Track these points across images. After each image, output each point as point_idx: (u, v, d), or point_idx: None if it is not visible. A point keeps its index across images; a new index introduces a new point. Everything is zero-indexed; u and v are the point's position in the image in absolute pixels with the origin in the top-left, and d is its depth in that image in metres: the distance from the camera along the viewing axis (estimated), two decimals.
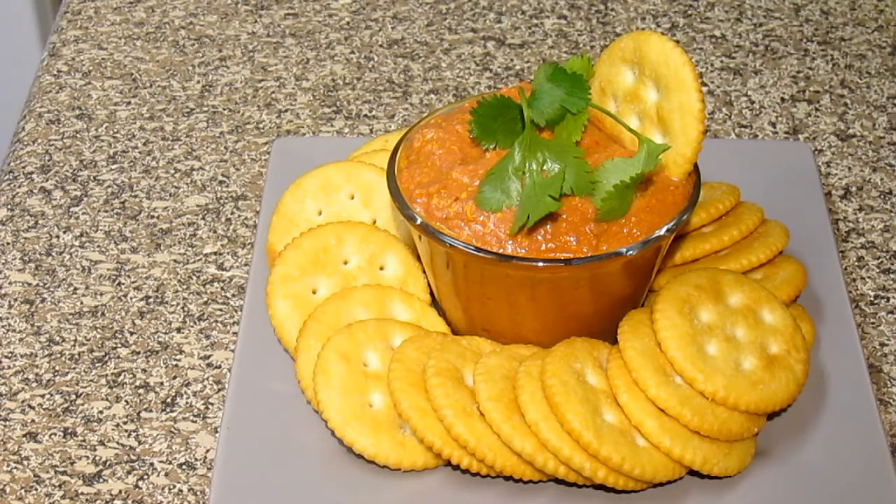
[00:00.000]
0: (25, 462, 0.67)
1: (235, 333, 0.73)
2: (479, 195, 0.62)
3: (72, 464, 0.67)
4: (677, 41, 0.83)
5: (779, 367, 0.62)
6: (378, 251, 0.69)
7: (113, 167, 0.85)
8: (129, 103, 0.91)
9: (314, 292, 0.68)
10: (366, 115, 0.90)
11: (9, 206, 0.82)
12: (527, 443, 0.60)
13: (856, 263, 0.78)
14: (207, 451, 0.67)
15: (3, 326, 0.74)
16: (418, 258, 0.68)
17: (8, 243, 0.80)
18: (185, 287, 0.77)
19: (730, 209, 0.71)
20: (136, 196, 0.83)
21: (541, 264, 0.61)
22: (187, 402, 0.70)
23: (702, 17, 1.01)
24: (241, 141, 0.88)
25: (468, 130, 0.64)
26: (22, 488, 0.66)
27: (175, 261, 0.78)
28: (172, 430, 0.69)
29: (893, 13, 1.01)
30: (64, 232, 0.80)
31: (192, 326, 0.74)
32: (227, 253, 0.79)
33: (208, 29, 0.98)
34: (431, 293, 0.69)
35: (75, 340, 0.73)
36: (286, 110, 0.91)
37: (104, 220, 0.81)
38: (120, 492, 0.66)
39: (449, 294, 0.66)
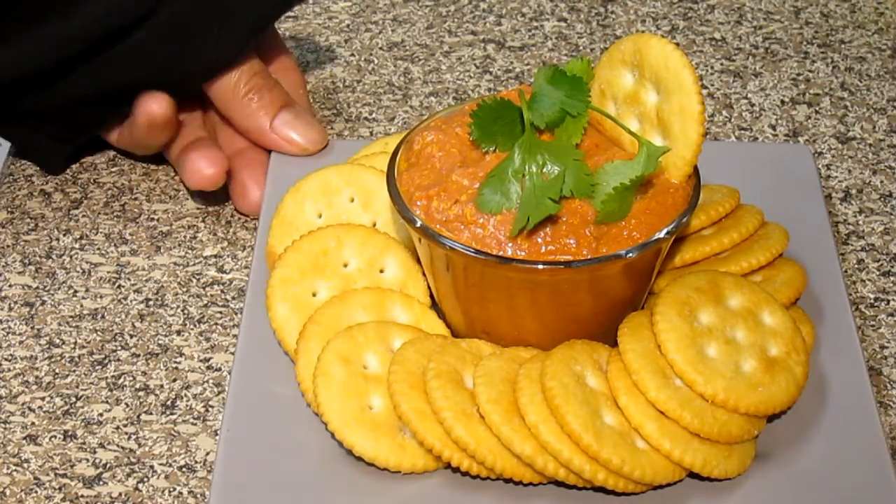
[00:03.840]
0: (25, 465, 0.67)
1: (235, 336, 0.73)
2: (479, 198, 0.62)
3: (72, 466, 0.67)
4: (677, 44, 0.83)
5: (779, 370, 0.62)
6: (378, 254, 0.69)
7: (113, 170, 0.85)
8: None
9: (314, 295, 0.68)
10: (366, 118, 0.90)
11: (9, 209, 0.82)
12: (527, 445, 0.60)
13: (856, 266, 0.78)
14: (207, 453, 0.67)
15: (3, 329, 0.74)
16: (418, 261, 0.68)
17: (8, 246, 0.80)
18: (185, 290, 0.77)
19: (729, 211, 0.71)
20: (136, 199, 0.83)
21: (540, 266, 0.61)
22: (187, 405, 0.70)
23: (702, 20, 1.01)
24: None
25: (468, 133, 0.64)
26: (22, 491, 0.66)
27: (175, 263, 0.78)
28: (172, 432, 0.69)
29: (893, 16, 1.01)
30: (64, 234, 0.80)
31: (192, 329, 0.74)
32: (227, 255, 0.79)
33: None
34: (431, 296, 0.69)
35: (75, 343, 0.73)
36: None
37: (104, 222, 0.81)
38: (120, 494, 0.66)
39: (449, 296, 0.66)
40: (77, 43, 0.75)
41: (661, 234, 0.62)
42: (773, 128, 0.89)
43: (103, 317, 0.75)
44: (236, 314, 0.75)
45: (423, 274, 0.69)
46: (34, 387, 0.71)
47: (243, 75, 0.79)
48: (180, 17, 0.76)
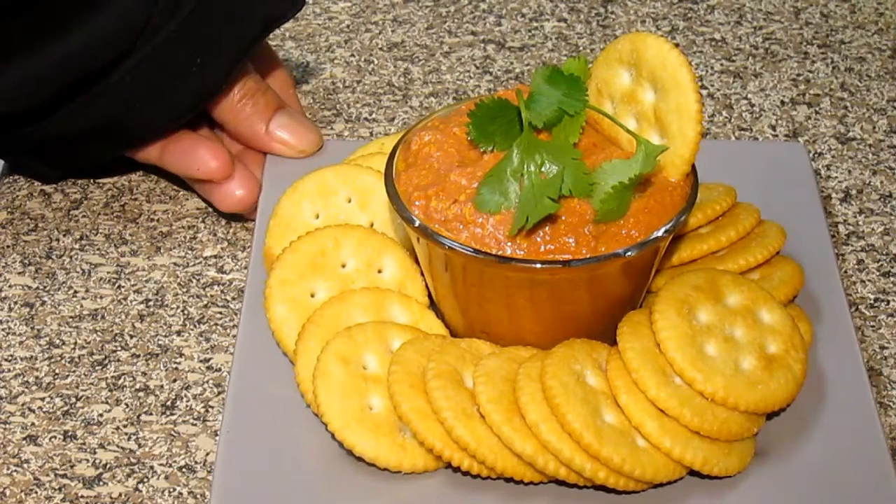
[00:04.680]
0: (25, 465, 0.67)
1: (235, 336, 0.73)
2: (478, 197, 0.62)
3: (72, 467, 0.67)
4: (676, 43, 0.83)
5: (778, 367, 0.62)
6: (376, 254, 0.69)
7: (113, 170, 0.85)
8: None
9: (312, 296, 0.68)
10: (366, 119, 0.90)
11: (9, 209, 0.82)
12: (527, 444, 0.60)
13: (856, 266, 0.78)
14: (207, 454, 0.67)
15: (3, 329, 0.74)
16: (416, 261, 0.68)
17: (8, 246, 0.80)
18: (185, 290, 0.77)
19: (726, 210, 0.71)
20: (136, 199, 0.83)
21: (539, 266, 0.61)
22: (187, 405, 0.70)
23: (702, 21, 1.01)
24: None
25: (465, 133, 0.64)
26: (22, 491, 0.66)
27: (175, 264, 0.79)
28: (172, 433, 0.69)
29: (893, 16, 1.01)
30: (64, 235, 0.80)
31: (192, 329, 0.74)
32: (227, 256, 0.79)
33: None
34: (429, 296, 0.69)
35: (75, 343, 0.73)
36: None
37: (104, 223, 0.81)
38: (120, 495, 0.66)
39: (447, 296, 0.66)
40: (57, 80, 0.74)
41: (660, 233, 0.62)
42: (773, 128, 0.89)
43: (103, 317, 0.75)
44: (236, 315, 0.75)
45: (422, 274, 0.69)
46: (34, 387, 0.71)
47: (236, 81, 0.79)
48: (162, 52, 0.75)
